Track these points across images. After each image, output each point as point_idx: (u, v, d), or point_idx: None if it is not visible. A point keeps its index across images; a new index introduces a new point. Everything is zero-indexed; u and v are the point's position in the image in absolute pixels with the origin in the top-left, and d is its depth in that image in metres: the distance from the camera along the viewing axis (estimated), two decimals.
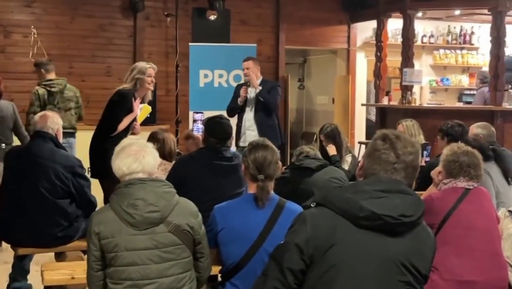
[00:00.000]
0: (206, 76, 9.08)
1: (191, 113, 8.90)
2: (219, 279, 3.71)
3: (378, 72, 10.27)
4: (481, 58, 12.18)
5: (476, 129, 5.90)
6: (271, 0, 10.59)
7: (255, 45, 9.65)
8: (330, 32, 11.15)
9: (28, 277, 5.23)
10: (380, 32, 10.22)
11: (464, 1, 9.61)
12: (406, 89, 9.51)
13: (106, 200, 5.69)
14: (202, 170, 4.52)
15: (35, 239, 4.65)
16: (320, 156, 5.10)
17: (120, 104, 5.78)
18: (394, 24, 10.74)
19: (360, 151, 10.32)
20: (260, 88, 7.23)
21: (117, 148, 3.19)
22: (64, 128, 5.30)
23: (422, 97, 11.57)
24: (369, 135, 11.35)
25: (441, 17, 11.49)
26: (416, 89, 10.04)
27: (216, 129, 4.67)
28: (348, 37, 11.25)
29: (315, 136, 11.14)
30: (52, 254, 5.07)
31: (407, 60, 9.56)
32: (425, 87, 11.99)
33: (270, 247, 3.20)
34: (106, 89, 9.04)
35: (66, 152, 4.92)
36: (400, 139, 2.56)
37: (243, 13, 10.34)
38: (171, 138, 5.45)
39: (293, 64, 12.28)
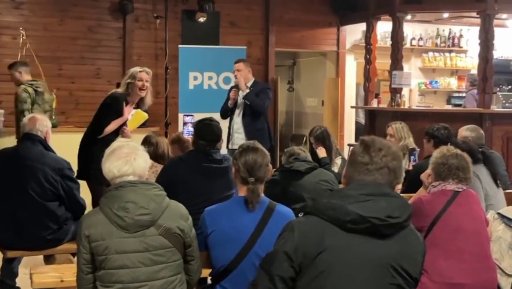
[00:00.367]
0: (195, 78, 9.07)
1: (180, 115, 8.88)
2: (209, 282, 3.71)
3: (368, 75, 10.29)
4: (470, 61, 12.24)
5: (465, 131, 5.93)
6: (261, 2, 10.60)
7: (245, 47, 9.65)
8: (319, 35, 11.18)
9: (17, 280, 5.20)
10: (369, 35, 10.24)
11: (453, 4, 9.64)
12: (395, 92, 9.53)
13: (94, 202, 5.69)
14: (192, 173, 4.53)
15: (24, 242, 4.63)
16: (310, 158, 5.11)
17: (110, 107, 5.78)
18: (383, 27, 10.77)
19: (349, 154, 10.35)
20: (248, 90, 7.22)
21: (108, 150, 3.18)
22: None
23: (411, 100, 11.62)
24: (358, 137, 11.38)
25: (430, 20, 11.53)
26: (405, 91, 10.07)
27: (205, 131, 4.68)
28: (338, 39, 11.29)
29: (305, 138, 11.14)
30: (41, 256, 5.05)
31: (396, 63, 9.58)
32: (414, 89, 12.04)
33: (260, 250, 3.22)
34: (95, 91, 9.09)
35: (55, 155, 4.89)
36: (375, 142, 2.62)
37: (233, 15, 10.34)
38: (164, 142, 5.46)
39: (282, 66, 12.29)
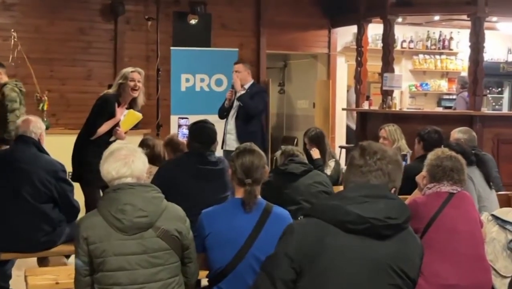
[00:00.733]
0: (187, 80, 9.06)
1: (172, 117, 8.88)
2: (204, 284, 3.71)
3: (359, 77, 10.32)
4: (460, 63, 12.32)
5: (457, 133, 5.96)
6: (252, 5, 10.60)
7: (237, 49, 9.66)
8: (310, 37, 11.19)
9: (10, 282, 5.18)
10: (360, 37, 10.27)
11: (444, 7, 9.68)
12: (386, 94, 9.55)
13: (86, 204, 5.69)
14: (186, 175, 4.53)
15: (18, 244, 4.61)
16: (306, 160, 5.11)
17: (100, 108, 5.80)
18: (374, 30, 10.80)
19: (341, 156, 10.38)
20: (243, 92, 7.22)
21: (106, 152, 3.17)
22: None
23: (402, 102, 11.66)
24: (349, 140, 11.42)
25: (420, 22, 11.58)
26: (396, 93, 10.11)
27: (199, 133, 4.69)
28: (329, 42, 11.30)
29: (296, 140, 11.17)
30: (34, 259, 5.04)
31: (388, 65, 9.61)
32: (405, 91, 12.09)
33: (257, 251, 3.24)
34: (87, 93, 9.05)
35: (49, 157, 4.88)
36: (371, 146, 2.67)
37: (224, 17, 10.33)
38: (161, 144, 5.47)
39: (273, 69, 12.29)
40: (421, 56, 12.22)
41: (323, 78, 11.54)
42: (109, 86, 6.35)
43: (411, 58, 12.22)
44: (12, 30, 8.34)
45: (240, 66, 7.34)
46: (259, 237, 3.28)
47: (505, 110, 12.06)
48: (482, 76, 9.13)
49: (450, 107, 10.90)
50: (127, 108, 5.92)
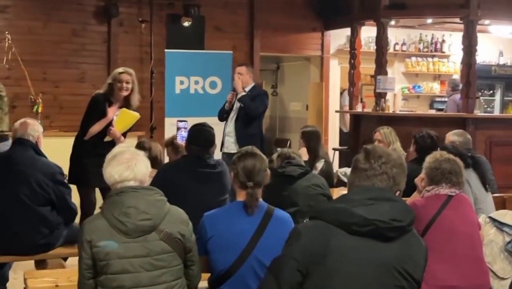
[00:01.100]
0: (182, 82, 9.04)
1: (166, 119, 8.87)
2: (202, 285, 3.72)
3: (352, 79, 10.35)
4: (452, 66, 12.39)
5: (452, 136, 6.00)
6: (246, 7, 10.62)
7: (231, 52, 9.65)
8: (304, 39, 11.22)
9: (7, 285, 5.18)
10: (354, 40, 10.31)
11: (437, 10, 9.72)
12: (379, 96, 9.59)
13: (82, 206, 5.69)
14: (185, 178, 4.54)
15: (16, 246, 4.60)
16: (303, 162, 5.12)
17: (90, 108, 5.90)
18: (367, 32, 10.84)
19: (334, 158, 10.40)
20: (244, 93, 7.22)
21: (109, 155, 3.18)
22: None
23: (395, 104, 11.70)
24: (342, 142, 11.46)
25: (413, 25, 11.63)
26: (389, 96, 10.15)
27: (197, 136, 4.70)
28: (322, 44, 11.33)
29: (289, 142, 11.19)
30: (31, 261, 5.02)
31: (381, 68, 9.64)
32: (398, 94, 12.13)
33: (259, 254, 3.26)
34: (80, 95, 9.01)
35: (47, 160, 4.88)
36: (376, 149, 2.71)
37: (218, 19, 10.34)
38: (157, 147, 5.48)
39: (266, 71, 12.32)
40: (413, 58, 12.27)
41: (316, 80, 11.57)
42: None
43: (404, 60, 12.27)
44: (6, 32, 8.30)
45: (243, 69, 7.34)
46: (261, 240, 3.29)
47: (496, 112, 12.15)
48: (474, 79, 9.20)
49: (442, 109, 10.95)
50: (121, 108, 5.94)
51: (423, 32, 12.13)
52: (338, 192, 5.68)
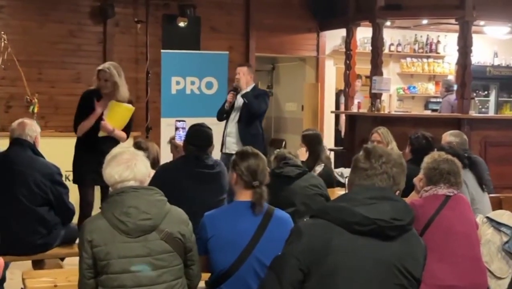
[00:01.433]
0: (178, 83, 9.04)
1: (162, 120, 8.86)
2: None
3: (347, 80, 10.36)
4: (447, 67, 12.41)
5: (449, 137, 6.01)
6: (241, 8, 10.61)
7: (227, 52, 9.65)
8: (299, 40, 11.23)
9: (4, 285, 5.16)
10: (349, 41, 10.30)
11: (432, 11, 9.73)
12: (375, 97, 9.60)
13: (80, 205, 5.70)
14: (183, 178, 4.54)
15: (14, 247, 4.60)
16: (300, 162, 5.13)
17: (78, 105, 5.98)
18: (362, 33, 10.85)
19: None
20: (247, 90, 7.23)
21: (108, 156, 3.19)
22: None
23: (390, 105, 11.70)
24: (337, 143, 11.45)
25: (408, 26, 11.65)
26: (384, 96, 10.16)
27: (195, 136, 4.70)
28: (317, 45, 11.34)
29: (284, 142, 11.19)
30: (28, 261, 5.02)
31: (376, 68, 9.65)
32: (393, 95, 12.12)
33: (259, 254, 3.27)
34: (76, 95, 8.90)
35: (45, 160, 4.89)
36: (376, 149, 2.73)
37: (214, 20, 10.34)
38: (154, 147, 5.48)
39: (261, 71, 12.32)
40: (408, 59, 12.29)
41: (312, 81, 11.58)
42: None
43: (399, 61, 12.29)
44: (2, 32, 8.29)
45: (244, 69, 7.36)
46: (261, 240, 3.31)
47: (491, 113, 12.21)
48: (470, 79, 9.20)
49: (437, 110, 10.98)
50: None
51: (418, 33, 12.16)
52: (334, 192, 5.69)
